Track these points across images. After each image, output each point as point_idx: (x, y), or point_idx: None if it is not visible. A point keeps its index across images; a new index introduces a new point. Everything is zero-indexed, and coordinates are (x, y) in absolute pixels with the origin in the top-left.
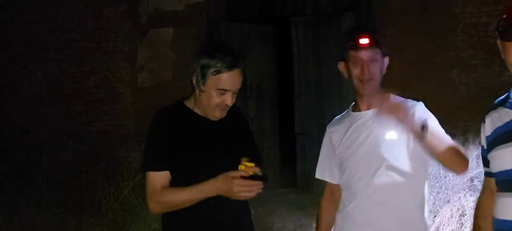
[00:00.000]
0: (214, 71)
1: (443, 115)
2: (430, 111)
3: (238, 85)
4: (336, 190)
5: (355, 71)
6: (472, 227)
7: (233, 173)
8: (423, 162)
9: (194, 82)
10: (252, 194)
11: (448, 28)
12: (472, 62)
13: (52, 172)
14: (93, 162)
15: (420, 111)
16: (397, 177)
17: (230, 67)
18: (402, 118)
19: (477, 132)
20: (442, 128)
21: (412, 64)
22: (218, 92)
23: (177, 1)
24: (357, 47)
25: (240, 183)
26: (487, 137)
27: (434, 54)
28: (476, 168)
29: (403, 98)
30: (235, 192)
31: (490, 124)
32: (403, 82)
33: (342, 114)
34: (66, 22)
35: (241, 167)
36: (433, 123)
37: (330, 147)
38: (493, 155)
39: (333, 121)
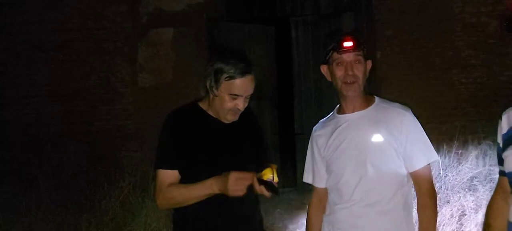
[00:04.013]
0: (227, 77)
1: (442, 115)
2: (430, 111)
3: (250, 91)
4: (324, 196)
5: (339, 73)
6: (482, 225)
7: (235, 172)
8: (408, 165)
9: (207, 86)
10: (241, 192)
11: (448, 28)
12: (471, 62)
13: (52, 172)
14: (93, 162)
15: (408, 124)
16: (383, 180)
17: (242, 74)
18: None
19: (476, 132)
20: (442, 128)
21: (411, 64)
22: (230, 97)
23: (177, 1)
24: (341, 49)
25: (237, 176)
26: (503, 135)
27: (433, 54)
28: (475, 168)
29: (389, 102)
30: (229, 185)
31: (507, 122)
32: (403, 82)
33: (327, 116)
34: (66, 22)
35: (264, 171)
36: (418, 135)
37: (316, 150)
38: (507, 154)
39: (318, 123)
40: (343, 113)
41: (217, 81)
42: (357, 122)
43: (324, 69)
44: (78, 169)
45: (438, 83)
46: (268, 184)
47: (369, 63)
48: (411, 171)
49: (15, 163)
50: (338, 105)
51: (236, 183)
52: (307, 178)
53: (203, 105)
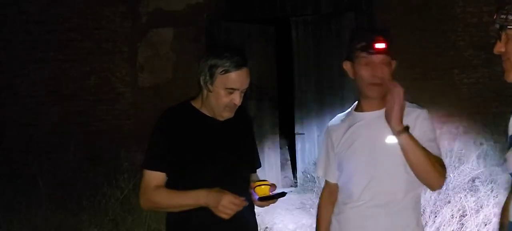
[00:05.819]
0: (222, 71)
1: (444, 115)
2: (431, 111)
3: (245, 84)
4: (335, 190)
5: (365, 74)
6: (498, 225)
7: (230, 195)
8: None
9: (202, 82)
10: (228, 216)
11: (449, 28)
12: (473, 62)
13: (52, 172)
14: (93, 162)
15: (422, 121)
16: (394, 182)
17: (238, 67)
18: (390, 111)
19: (478, 133)
20: (443, 128)
21: (413, 64)
22: (226, 91)
23: (177, 1)
24: (372, 50)
25: (231, 199)
26: (509, 136)
27: (435, 55)
28: (476, 168)
29: (409, 103)
30: (221, 205)
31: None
32: (405, 82)
33: (344, 112)
34: (66, 22)
35: (256, 190)
36: (427, 134)
37: (330, 144)
38: (509, 155)
39: (334, 118)
40: (360, 111)
41: (212, 76)
42: (373, 121)
43: (347, 66)
44: (78, 169)
45: (439, 83)
46: (272, 197)
47: (394, 63)
48: None
49: (15, 163)
50: (357, 101)
51: (228, 206)
52: (320, 172)
53: (196, 104)
